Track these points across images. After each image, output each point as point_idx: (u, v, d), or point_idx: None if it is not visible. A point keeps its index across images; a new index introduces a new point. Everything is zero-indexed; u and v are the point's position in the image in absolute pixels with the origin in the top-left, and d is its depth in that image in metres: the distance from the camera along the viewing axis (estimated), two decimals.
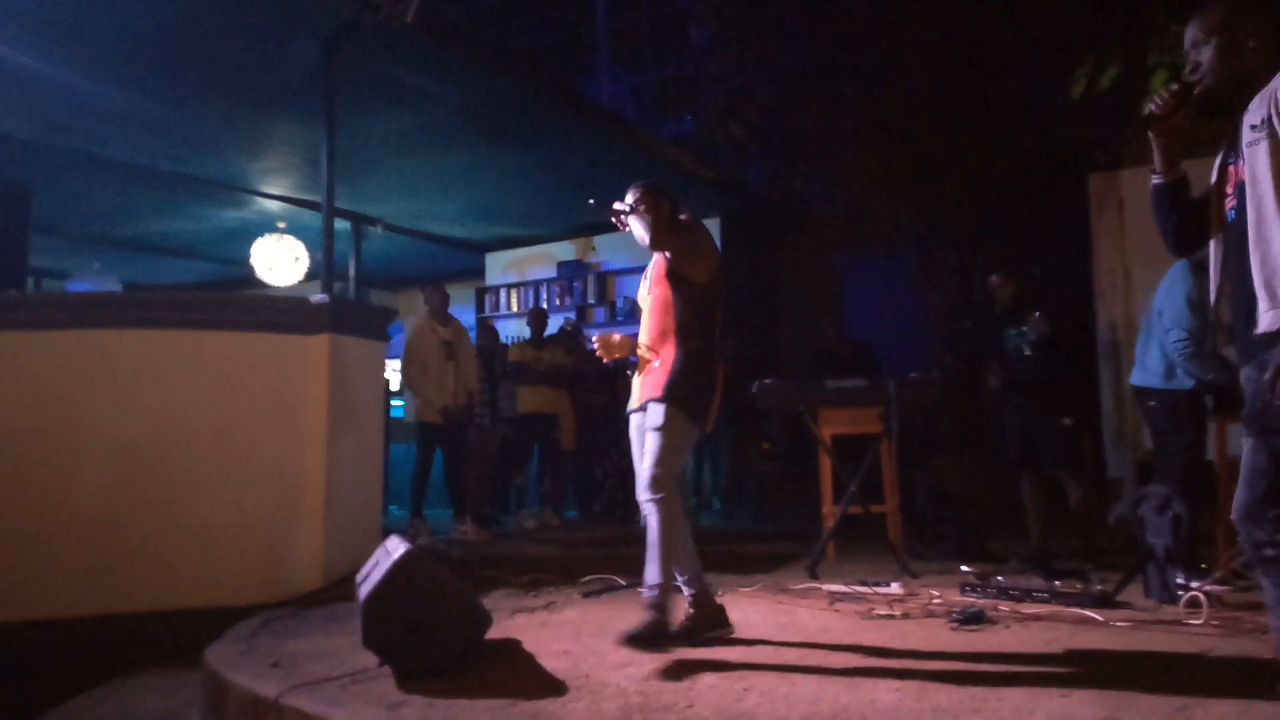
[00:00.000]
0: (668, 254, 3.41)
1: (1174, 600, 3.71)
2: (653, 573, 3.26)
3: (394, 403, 7.98)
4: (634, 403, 3.46)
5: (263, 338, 4.59)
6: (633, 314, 9.61)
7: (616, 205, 3.56)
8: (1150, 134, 2.30)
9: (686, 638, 3.22)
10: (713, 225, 9.36)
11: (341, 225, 8.13)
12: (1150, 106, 2.28)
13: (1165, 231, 2.39)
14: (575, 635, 3.43)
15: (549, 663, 3.00)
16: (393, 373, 7.80)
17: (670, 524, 3.25)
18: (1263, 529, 2.00)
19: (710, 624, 3.32)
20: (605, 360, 3.56)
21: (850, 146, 8.77)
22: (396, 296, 11.22)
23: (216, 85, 5.73)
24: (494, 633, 3.21)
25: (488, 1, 13.94)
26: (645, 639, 3.11)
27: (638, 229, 3.45)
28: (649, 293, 3.53)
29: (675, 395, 3.28)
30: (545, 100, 6.44)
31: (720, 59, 9.43)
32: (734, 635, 3.33)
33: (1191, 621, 3.42)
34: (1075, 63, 9.14)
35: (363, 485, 4.96)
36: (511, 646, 3.22)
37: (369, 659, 2.94)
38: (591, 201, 3.72)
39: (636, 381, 3.49)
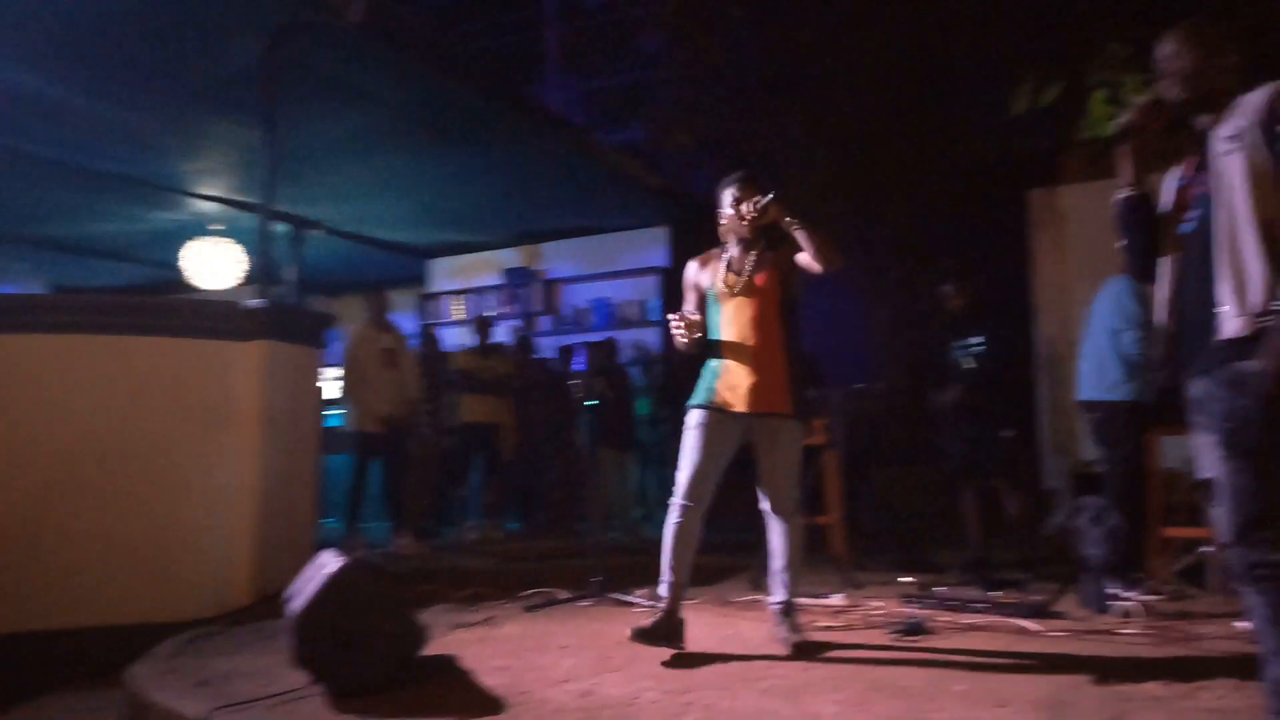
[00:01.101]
0: (826, 269, 3.22)
1: (1108, 610, 3.77)
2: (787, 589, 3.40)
3: (331, 411, 7.80)
4: (738, 403, 3.27)
5: (195, 343, 4.44)
6: (579, 322, 9.56)
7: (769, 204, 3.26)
8: (1124, 146, 2.33)
9: (643, 636, 3.17)
10: (660, 234, 9.37)
11: (280, 228, 7.94)
12: (1127, 118, 2.32)
13: (1134, 250, 2.40)
14: (515, 651, 3.37)
15: (487, 679, 2.93)
16: (331, 381, 7.63)
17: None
18: (1257, 551, 2.01)
19: (666, 636, 3.24)
20: (686, 340, 3.27)
21: (798, 157, 8.84)
22: (336, 302, 11.01)
23: (152, 81, 5.55)
24: (431, 649, 3.14)
25: (436, 4, 13.80)
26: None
27: (802, 240, 3.21)
28: (753, 294, 3.33)
29: (807, 411, 3.37)
30: (493, 104, 6.38)
31: (669, 67, 9.45)
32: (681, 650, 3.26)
33: (1125, 631, 3.47)
34: (1018, 79, 9.37)
35: (297, 497, 4.83)
36: (449, 663, 3.15)
37: (300, 677, 2.85)
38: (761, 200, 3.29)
39: (730, 378, 3.30)
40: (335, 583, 2.82)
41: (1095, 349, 4.59)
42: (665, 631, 3.22)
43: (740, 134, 8.97)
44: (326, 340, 5.36)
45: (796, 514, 3.40)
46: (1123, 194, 2.38)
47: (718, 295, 3.39)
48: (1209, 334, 2.09)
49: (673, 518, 3.29)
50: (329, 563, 2.97)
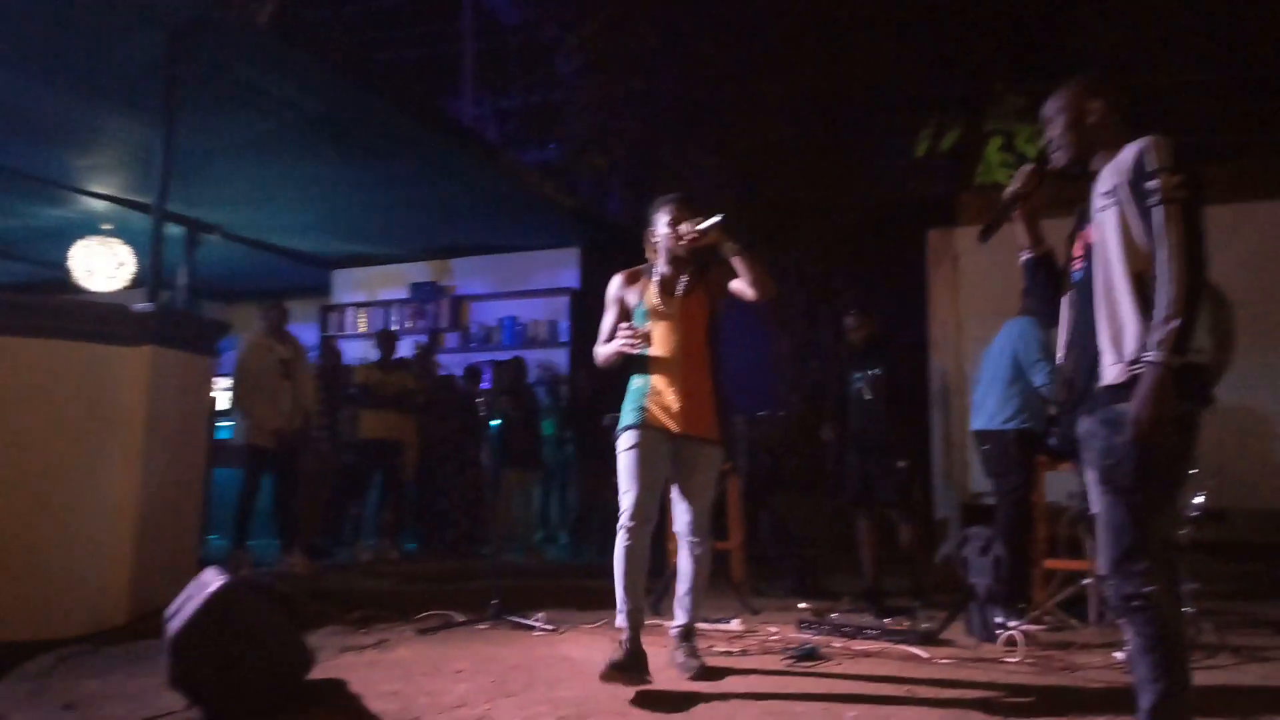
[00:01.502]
0: (761, 297, 3.28)
1: (993, 639, 3.89)
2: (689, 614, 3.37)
3: (221, 423, 7.50)
4: (670, 423, 3.23)
5: (75, 346, 4.20)
6: (487, 340, 9.46)
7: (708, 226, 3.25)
8: (1017, 213, 2.47)
9: (616, 672, 3.00)
10: (572, 255, 9.36)
11: (174, 230, 7.63)
12: (1013, 188, 2.45)
13: (1044, 303, 2.52)
14: (407, 675, 3.27)
15: (376, 705, 2.84)
16: (222, 391, 7.34)
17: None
18: (1131, 583, 2.09)
19: (635, 668, 3.06)
20: (633, 349, 3.26)
21: (708, 185, 8.97)
22: (232, 310, 10.63)
23: (45, 71, 5.28)
24: (319, 673, 3.02)
25: (351, 12, 13.57)
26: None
27: (740, 266, 3.22)
28: (683, 316, 3.32)
29: (729, 436, 3.37)
30: (403, 115, 6.28)
31: (586, 90, 9.50)
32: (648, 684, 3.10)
33: (1008, 659, 3.58)
34: (920, 124, 9.75)
35: (181, 511, 4.61)
36: (336, 687, 3.04)
37: (176, 701, 2.72)
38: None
39: (661, 398, 3.27)
40: (217, 601, 2.70)
41: (990, 382, 4.78)
42: (632, 664, 3.05)
43: (652, 160, 9.07)
44: (219, 348, 5.15)
45: (709, 539, 3.37)
46: (1024, 256, 2.51)
47: (648, 312, 3.35)
48: (1094, 377, 2.20)
49: (621, 541, 3.20)
50: (212, 580, 2.84)
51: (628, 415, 3.30)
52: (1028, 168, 2.46)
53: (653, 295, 3.36)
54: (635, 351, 3.25)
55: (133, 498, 4.21)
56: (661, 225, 3.38)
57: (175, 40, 4.80)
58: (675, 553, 5.13)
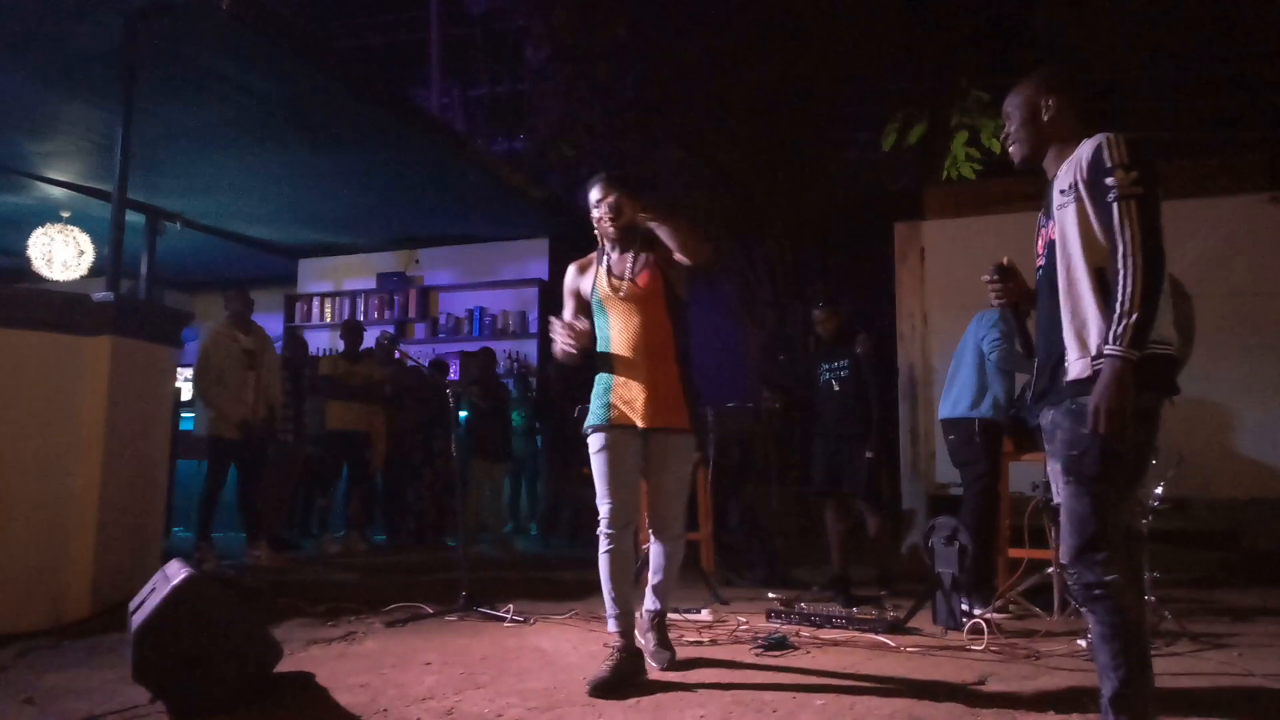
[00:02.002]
0: (693, 261, 3.09)
1: (959, 627, 3.94)
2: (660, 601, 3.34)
3: (184, 414, 7.39)
4: (636, 418, 3.09)
5: (33, 336, 4.11)
6: (455, 330, 9.40)
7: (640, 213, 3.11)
8: (1011, 314, 2.56)
9: (602, 689, 2.88)
10: (541, 245, 9.33)
11: (134, 219, 7.50)
12: (994, 301, 2.55)
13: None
14: (375, 667, 3.25)
15: (344, 697, 2.82)
16: (184, 382, 7.22)
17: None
18: (1092, 572, 2.12)
19: (632, 673, 3.01)
20: (573, 349, 3.07)
21: (677, 177, 8.98)
22: (195, 299, 10.49)
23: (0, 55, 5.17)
24: (286, 665, 2.99)
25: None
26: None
27: (663, 235, 3.06)
28: (637, 298, 3.15)
29: (702, 424, 3.21)
30: (369, 103, 6.22)
31: (554, 80, 9.45)
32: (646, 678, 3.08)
33: (974, 648, 3.63)
34: (887, 118, 9.82)
35: (143, 503, 4.54)
36: (304, 680, 3.01)
37: (140, 694, 2.69)
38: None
39: (624, 392, 3.12)
40: (181, 594, 2.66)
41: (956, 372, 4.84)
42: (628, 670, 2.99)
43: (621, 151, 9.06)
44: (182, 339, 5.07)
45: (683, 535, 3.29)
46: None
47: (602, 300, 3.21)
48: (1060, 371, 2.22)
49: (603, 547, 3.09)
50: (176, 573, 2.80)
51: (593, 414, 3.17)
52: (990, 275, 2.52)
53: (603, 281, 3.21)
54: (574, 350, 3.07)
55: (94, 490, 4.14)
56: (592, 208, 3.22)
57: (133, 24, 4.72)
58: (646, 541, 5.17)
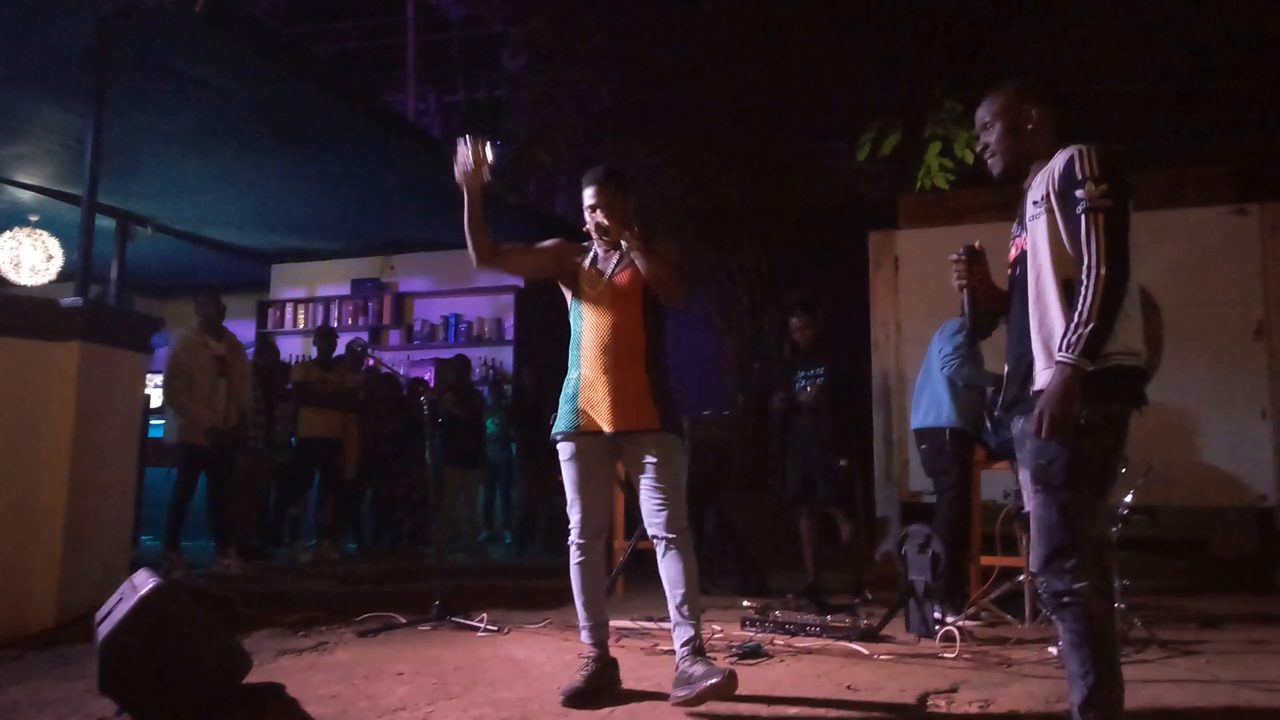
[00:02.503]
0: (665, 301, 3.02)
1: (932, 634, 3.96)
2: (689, 614, 2.94)
3: (154, 421, 7.29)
4: (600, 422, 2.97)
5: (1, 342, 4.06)
6: (431, 337, 9.35)
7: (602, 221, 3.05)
8: (968, 299, 2.46)
9: (576, 699, 2.84)
10: None
11: (105, 223, 7.41)
12: (955, 282, 2.46)
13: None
14: (346, 678, 3.21)
15: (315, 708, 2.79)
16: (154, 388, 7.13)
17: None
18: (1061, 580, 2.13)
19: (605, 685, 2.98)
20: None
21: (654, 184, 8.99)
22: (166, 305, 10.35)
23: None
24: (255, 676, 2.95)
25: (291, 1, 13.31)
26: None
27: (640, 265, 2.99)
28: (613, 297, 3.05)
29: (677, 424, 3.03)
30: (344, 108, 6.18)
31: (531, 87, 9.45)
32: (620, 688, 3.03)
33: (946, 655, 3.65)
34: (862, 128, 9.90)
35: (111, 512, 4.47)
36: (274, 691, 2.97)
37: (106, 706, 2.65)
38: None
39: (589, 394, 3.01)
40: (149, 604, 2.62)
41: (928, 382, 4.88)
42: (603, 680, 2.97)
43: (597, 158, 9.07)
44: (152, 344, 5.01)
45: (685, 536, 2.96)
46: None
47: (580, 292, 3.12)
48: (1028, 380, 2.24)
49: (573, 558, 3.02)
50: (144, 583, 2.75)
51: (561, 419, 3.07)
52: (956, 257, 2.45)
53: (585, 274, 3.14)
54: (469, 172, 3.06)
55: (61, 498, 4.08)
56: (586, 204, 3.13)
57: (105, 26, 4.67)
58: (621, 551, 5.16)
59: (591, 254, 3.18)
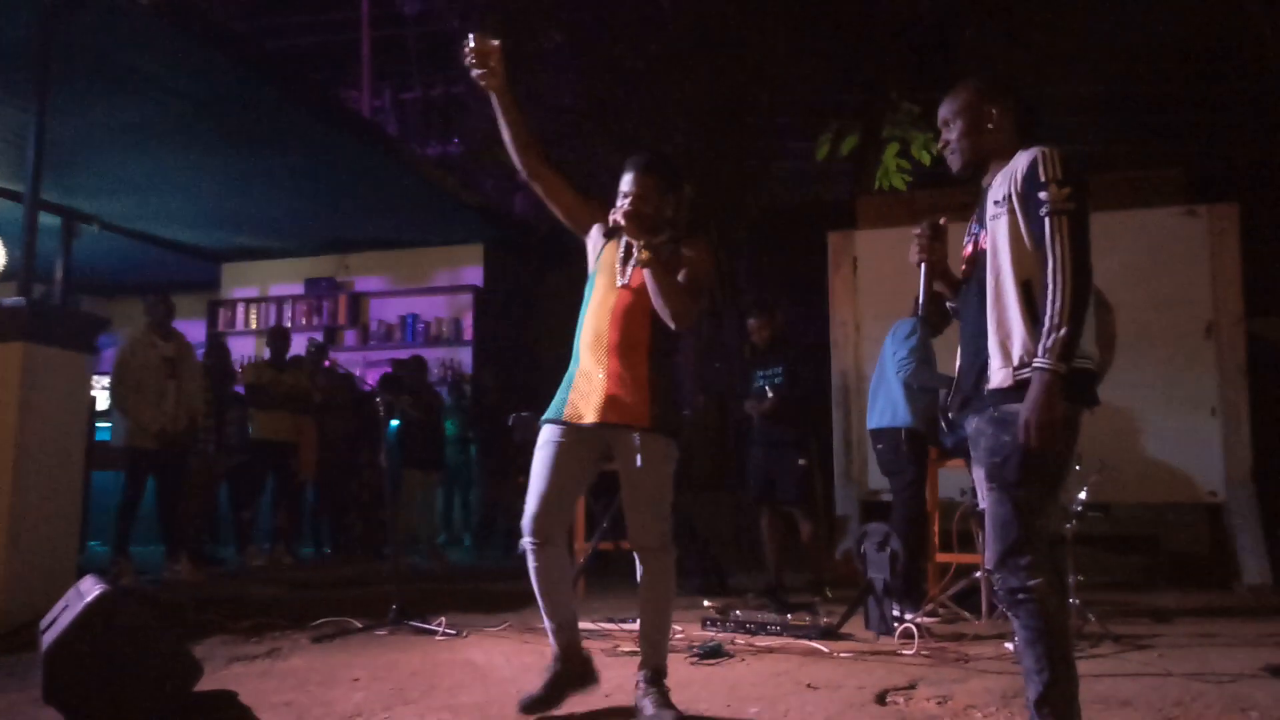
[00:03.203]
0: (674, 326, 2.73)
1: (891, 632, 3.99)
2: (664, 639, 2.82)
3: (101, 424, 7.11)
4: (588, 413, 2.72)
5: None
6: (387, 338, 9.24)
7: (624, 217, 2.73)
8: (925, 273, 2.42)
9: (537, 705, 2.73)
10: (475, 251, 9.22)
11: (49, 220, 7.21)
12: (914, 256, 2.41)
13: (939, 318, 2.60)
14: (301, 685, 3.15)
15: (269, 716, 2.73)
16: (101, 390, 6.96)
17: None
18: (1016, 576, 2.14)
19: (575, 682, 2.82)
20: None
21: (613, 183, 8.95)
22: (112, 304, 10.12)
23: None
24: (207, 684, 2.87)
25: None
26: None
27: (650, 287, 2.70)
28: (629, 286, 2.78)
29: (674, 426, 2.77)
30: (296, 105, 6.09)
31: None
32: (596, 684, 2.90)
33: (905, 652, 3.67)
34: (820, 129, 9.97)
35: (56, 517, 4.35)
36: (226, 699, 2.88)
37: (52, 716, 2.54)
38: None
39: (583, 384, 2.77)
40: (95, 611, 2.54)
41: (882, 382, 4.93)
42: (563, 686, 2.78)
43: (557, 158, 9.03)
44: (98, 345, 4.88)
45: (665, 551, 2.77)
46: (949, 305, 2.51)
47: (599, 269, 2.88)
48: (983, 379, 2.25)
49: (529, 562, 2.78)
50: (90, 589, 2.67)
51: (552, 406, 2.83)
52: (919, 230, 2.41)
53: (611, 253, 2.87)
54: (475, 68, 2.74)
55: (3, 502, 3.98)
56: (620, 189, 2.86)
57: (48, 19, 4.55)
58: (581, 553, 5.13)
59: (625, 240, 2.84)
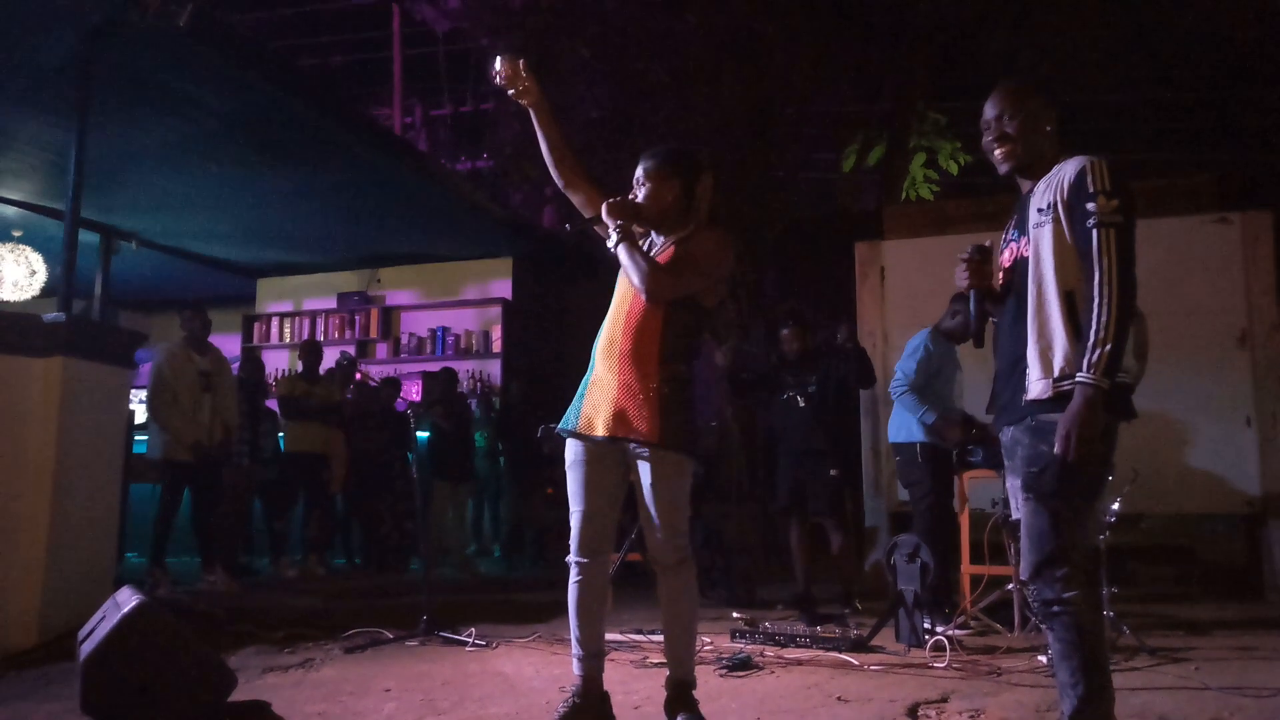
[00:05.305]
0: (646, 298, 2.65)
1: (921, 644, 3.95)
2: (690, 653, 2.75)
3: (138, 437, 7.23)
4: (599, 426, 2.65)
5: None
6: (418, 350, 9.32)
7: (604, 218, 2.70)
8: (975, 298, 2.40)
9: None
10: (504, 265, 9.29)
11: (89, 238, 7.37)
12: (961, 282, 2.38)
13: (973, 330, 2.51)
14: (333, 695, 3.18)
15: None
16: (138, 404, 7.08)
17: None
18: (1051, 588, 2.12)
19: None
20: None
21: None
22: (150, 319, 10.30)
23: None
24: (241, 694, 2.92)
25: (277, 16, 13.30)
26: None
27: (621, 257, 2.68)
28: (634, 293, 2.70)
29: (687, 440, 2.66)
30: (330, 121, 6.17)
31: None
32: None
33: (936, 665, 3.64)
34: (847, 140, 9.96)
35: (95, 529, 4.42)
36: (259, 709, 2.93)
37: None
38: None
39: (594, 394, 2.70)
40: (131, 622, 2.59)
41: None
42: (584, 715, 2.65)
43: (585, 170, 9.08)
44: (136, 360, 4.97)
45: (684, 566, 2.70)
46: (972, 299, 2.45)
47: (620, 275, 2.79)
48: (1020, 388, 2.23)
49: (571, 577, 2.70)
50: (127, 600, 2.72)
51: (567, 416, 2.76)
52: (966, 255, 2.37)
53: None
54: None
55: (43, 515, 4.03)
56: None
57: (88, 41, 4.65)
58: (609, 564, 5.13)
59: (648, 240, 2.83)
